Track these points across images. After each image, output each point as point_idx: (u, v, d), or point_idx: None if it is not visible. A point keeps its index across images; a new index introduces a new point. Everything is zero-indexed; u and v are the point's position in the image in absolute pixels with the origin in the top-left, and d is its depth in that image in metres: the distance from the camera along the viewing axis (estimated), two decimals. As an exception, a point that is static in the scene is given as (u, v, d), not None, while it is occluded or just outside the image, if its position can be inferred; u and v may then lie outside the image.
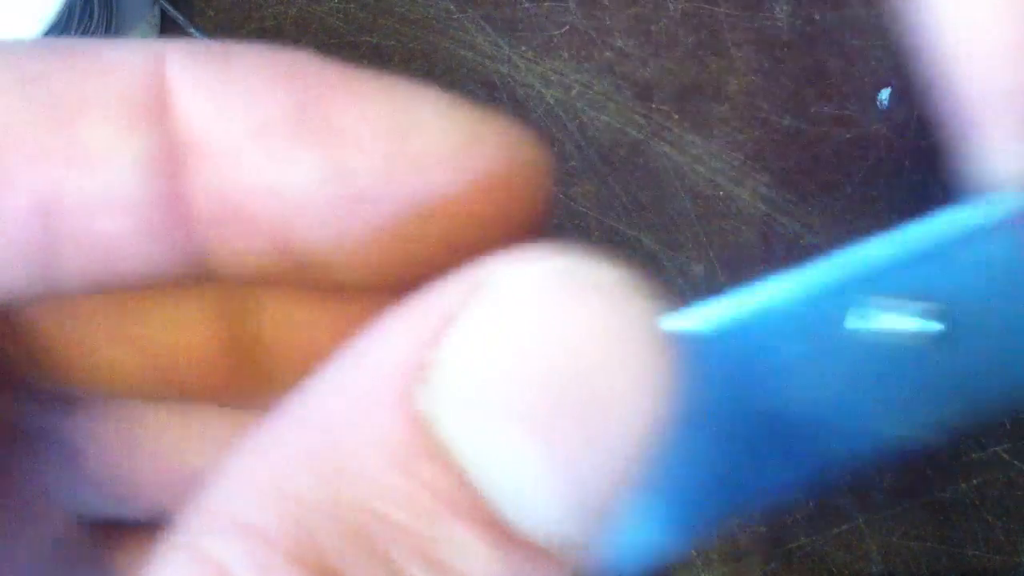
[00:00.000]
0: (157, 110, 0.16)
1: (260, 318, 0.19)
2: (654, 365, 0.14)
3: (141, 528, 0.21)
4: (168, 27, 0.58)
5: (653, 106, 0.57)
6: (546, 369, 0.14)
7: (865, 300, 0.18)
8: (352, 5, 0.59)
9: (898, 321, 0.18)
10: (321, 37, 0.58)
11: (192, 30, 0.57)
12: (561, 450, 0.14)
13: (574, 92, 0.57)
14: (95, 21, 0.53)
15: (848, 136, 0.56)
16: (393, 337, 0.14)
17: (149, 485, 0.20)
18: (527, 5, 0.58)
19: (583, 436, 0.14)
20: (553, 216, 0.38)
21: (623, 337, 0.14)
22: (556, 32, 0.58)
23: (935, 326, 0.18)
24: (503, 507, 0.14)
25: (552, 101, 0.57)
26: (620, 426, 0.14)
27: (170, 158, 0.16)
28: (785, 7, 0.57)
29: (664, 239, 0.55)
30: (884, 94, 0.56)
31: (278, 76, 0.16)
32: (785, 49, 0.57)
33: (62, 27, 0.49)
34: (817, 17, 0.57)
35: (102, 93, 0.15)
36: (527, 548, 0.14)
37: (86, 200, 0.16)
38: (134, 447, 0.20)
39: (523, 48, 0.58)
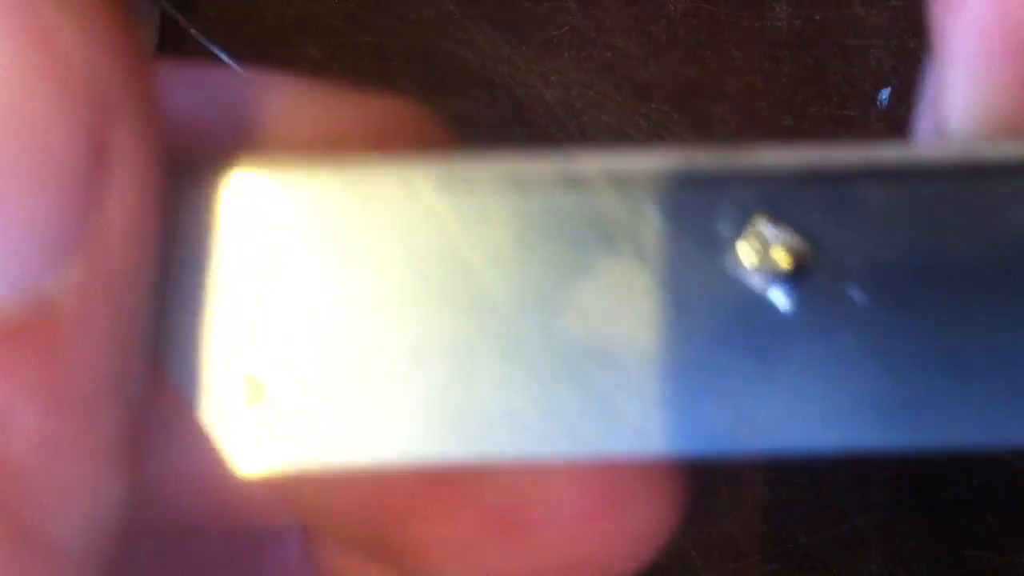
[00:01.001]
0: None
1: None
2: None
3: None
4: (168, 27, 0.58)
5: (653, 106, 0.57)
6: None
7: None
8: (352, 5, 0.59)
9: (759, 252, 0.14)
10: (321, 37, 0.58)
11: (192, 30, 0.57)
12: None
13: (574, 92, 0.57)
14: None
15: (849, 136, 0.56)
16: None
17: None
18: (527, 5, 0.58)
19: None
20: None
21: None
22: (556, 32, 0.58)
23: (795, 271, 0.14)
24: None
25: (552, 101, 0.57)
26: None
27: None
28: (785, 7, 0.57)
29: (664, 239, 0.55)
30: (884, 94, 0.56)
31: None
32: (785, 49, 0.57)
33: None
34: (817, 17, 0.57)
35: None
36: None
37: None
38: None
39: (523, 48, 0.58)
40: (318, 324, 0.14)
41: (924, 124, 0.18)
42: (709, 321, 0.14)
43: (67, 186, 0.12)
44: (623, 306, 0.14)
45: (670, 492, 0.16)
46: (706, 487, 0.52)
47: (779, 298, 0.14)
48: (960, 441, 0.14)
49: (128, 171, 0.12)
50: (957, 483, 0.52)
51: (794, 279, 0.14)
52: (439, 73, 0.58)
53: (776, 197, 0.14)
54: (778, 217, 0.14)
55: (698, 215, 0.14)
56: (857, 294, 0.14)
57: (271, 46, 0.58)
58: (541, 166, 0.14)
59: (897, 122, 0.56)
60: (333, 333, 0.14)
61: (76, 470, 0.12)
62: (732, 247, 0.14)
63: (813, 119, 0.56)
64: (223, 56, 0.57)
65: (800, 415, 0.14)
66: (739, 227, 0.14)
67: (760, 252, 0.14)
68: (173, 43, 0.57)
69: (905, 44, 0.56)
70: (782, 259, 0.14)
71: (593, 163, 0.14)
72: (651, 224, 0.14)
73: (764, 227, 0.14)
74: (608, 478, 0.16)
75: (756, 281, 0.14)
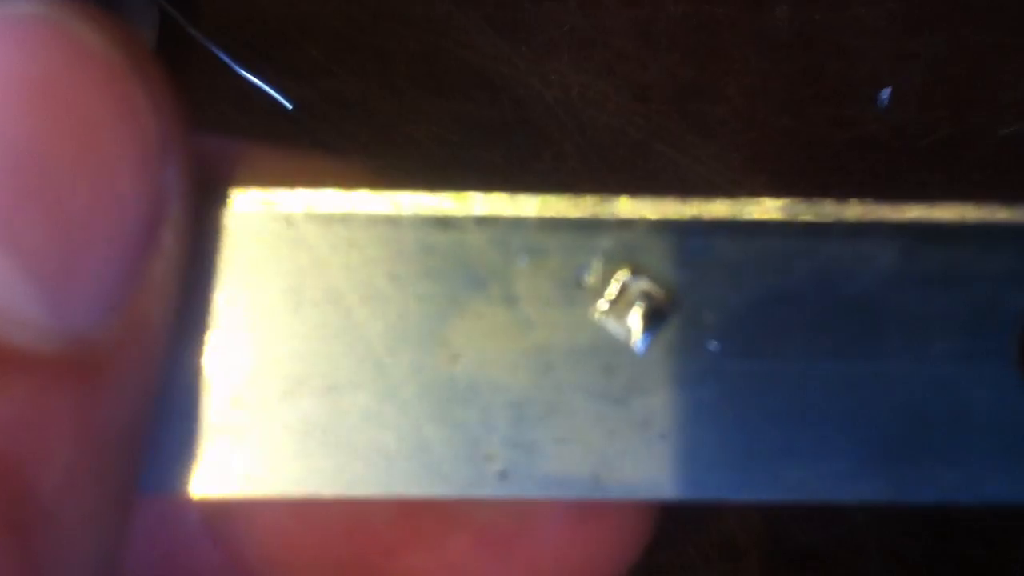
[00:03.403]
0: None
1: None
2: (127, 104, 0.12)
3: None
4: (168, 27, 0.58)
5: (653, 106, 0.57)
6: None
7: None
8: (352, 5, 0.59)
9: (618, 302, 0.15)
10: (322, 38, 0.58)
11: (192, 31, 0.57)
12: (31, 239, 0.12)
13: (574, 92, 0.57)
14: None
15: (847, 137, 0.56)
16: None
17: None
18: (527, 5, 0.58)
19: (53, 215, 0.12)
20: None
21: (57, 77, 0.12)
22: (556, 32, 0.58)
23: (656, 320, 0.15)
24: None
25: (552, 101, 0.57)
26: (95, 195, 0.12)
27: None
28: (785, 7, 0.57)
29: (664, 239, 0.55)
30: (884, 94, 0.56)
31: None
32: (785, 50, 0.57)
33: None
34: (817, 17, 0.57)
35: None
36: (42, 364, 0.12)
37: None
38: None
39: (523, 48, 0.58)
40: (198, 354, 0.15)
41: None
42: (573, 366, 0.15)
43: (131, 247, 0.12)
44: (490, 348, 0.15)
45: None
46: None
47: (638, 346, 0.15)
48: (813, 496, 0.15)
49: (172, 240, 0.13)
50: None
51: (652, 328, 0.15)
52: (439, 73, 0.58)
53: (637, 248, 0.15)
54: (639, 267, 0.15)
55: (564, 262, 0.15)
56: (712, 344, 0.15)
57: (271, 47, 0.58)
58: (415, 204, 0.15)
59: (897, 122, 0.56)
60: (215, 363, 0.15)
61: (93, 509, 0.12)
62: (595, 294, 0.15)
63: (812, 119, 0.56)
64: (223, 56, 0.57)
65: (659, 464, 0.15)
66: (601, 275, 0.15)
67: (620, 300, 0.15)
68: (173, 43, 0.57)
69: (905, 44, 0.56)
70: (641, 308, 0.15)
71: (465, 205, 0.15)
72: (519, 268, 0.15)
73: (625, 276, 0.15)
74: None
75: (616, 328, 0.15)
